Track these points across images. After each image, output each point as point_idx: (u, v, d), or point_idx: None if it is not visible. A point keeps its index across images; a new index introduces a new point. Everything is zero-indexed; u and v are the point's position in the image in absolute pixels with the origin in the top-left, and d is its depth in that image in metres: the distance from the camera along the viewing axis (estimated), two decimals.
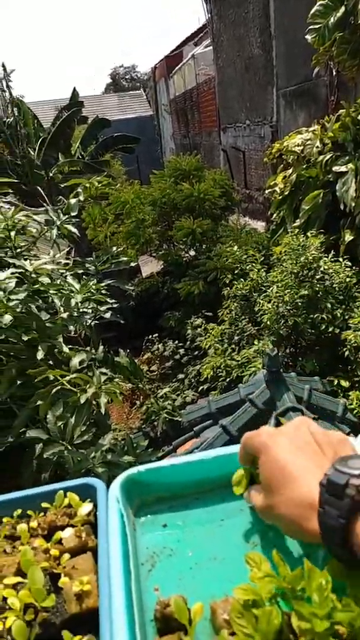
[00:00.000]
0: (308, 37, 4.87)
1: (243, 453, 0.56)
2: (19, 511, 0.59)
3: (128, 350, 3.37)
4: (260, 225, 9.12)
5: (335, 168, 4.64)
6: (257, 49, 8.77)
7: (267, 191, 5.95)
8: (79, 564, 0.51)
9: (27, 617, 0.46)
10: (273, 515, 0.49)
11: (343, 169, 4.57)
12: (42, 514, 0.58)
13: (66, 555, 0.52)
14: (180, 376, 6.32)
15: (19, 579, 0.50)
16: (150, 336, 7.40)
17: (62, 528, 0.55)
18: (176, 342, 6.90)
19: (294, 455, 0.49)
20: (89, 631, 0.44)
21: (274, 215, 5.79)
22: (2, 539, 0.56)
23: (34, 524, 0.57)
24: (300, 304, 4.18)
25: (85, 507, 0.56)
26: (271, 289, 4.46)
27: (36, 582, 0.46)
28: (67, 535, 0.54)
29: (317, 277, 4.19)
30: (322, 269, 4.20)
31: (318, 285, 4.15)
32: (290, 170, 5.39)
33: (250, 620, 0.36)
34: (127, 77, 38.34)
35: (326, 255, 4.33)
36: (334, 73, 6.04)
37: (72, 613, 0.46)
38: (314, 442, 0.50)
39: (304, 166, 5.16)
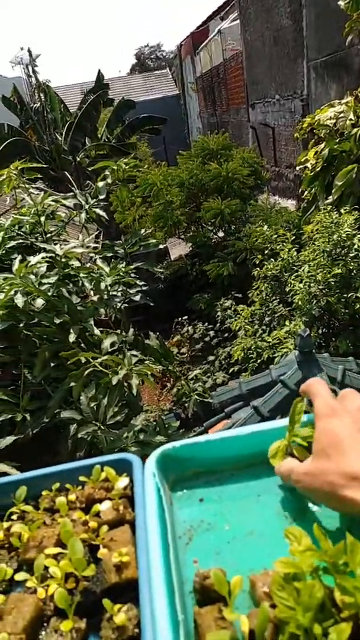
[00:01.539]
0: (341, 2, 4.64)
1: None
2: (57, 485, 0.60)
3: (158, 333, 3.39)
4: (290, 204, 8.91)
5: None
6: (286, 19, 8.44)
7: (297, 168, 5.79)
8: (117, 536, 0.51)
9: (69, 585, 0.47)
10: (314, 481, 0.49)
11: None
12: (80, 487, 0.59)
13: (104, 528, 0.52)
14: (211, 358, 6.32)
15: (60, 549, 0.51)
16: (179, 318, 7.41)
17: (100, 501, 0.56)
18: (206, 324, 6.89)
19: (353, 435, 0.50)
20: (129, 601, 0.45)
21: (305, 192, 5.63)
22: (41, 511, 0.58)
23: (72, 497, 0.58)
24: (333, 283, 4.08)
25: (122, 481, 0.56)
26: (303, 268, 4.36)
27: (76, 552, 0.47)
28: (104, 508, 0.55)
29: (351, 255, 4.07)
30: (356, 246, 4.08)
31: (352, 264, 4.04)
32: (322, 145, 5.21)
33: (291, 593, 0.36)
34: (152, 56, 37.75)
35: None
36: None
37: (112, 583, 0.46)
38: None
39: (337, 140, 4.98)
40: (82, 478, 0.59)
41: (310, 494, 0.51)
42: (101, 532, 0.52)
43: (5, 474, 1.91)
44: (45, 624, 0.45)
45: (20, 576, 0.49)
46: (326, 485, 0.48)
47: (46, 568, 0.48)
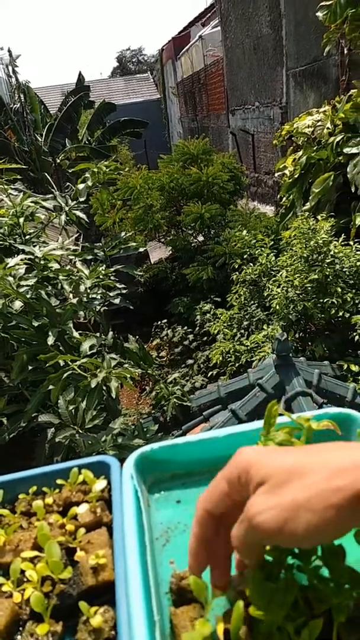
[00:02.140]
0: (319, 14, 4.74)
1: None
2: (35, 488, 0.59)
3: (137, 336, 3.38)
4: (269, 210, 9.02)
5: (347, 150, 4.56)
6: (266, 28, 8.57)
7: (276, 174, 5.88)
8: (94, 538, 0.51)
9: (45, 589, 0.47)
10: (293, 510, 0.34)
11: (354, 150, 4.49)
12: (57, 490, 0.59)
13: (81, 530, 0.52)
14: (190, 362, 6.34)
15: (36, 552, 0.51)
16: (159, 322, 7.41)
17: (77, 504, 0.56)
18: (185, 327, 6.91)
19: (302, 453, 0.38)
20: (105, 603, 0.45)
21: (284, 198, 5.72)
22: (18, 515, 0.57)
23: (49, 500, 0.58)
24: (309, 288, 4.16)
25: (100, 484, 0.56)
26: (280, 273, 4.43)
27: (53, 554, 0.47)
28: (82, 510, 0.55)
29: (327, 261, 4.15)
30: (332, 252, 4.16)
31: (328, 270, 4.12)
32: (300, 153, 5.31)
33: (266, 592, 0.37)
34: (134, 60, 37.79)
35: (336, 238, 4.28)
36: (345, 52, 5.90)
37: (89, 585, 0.46)
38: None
39: (314, 148, 5.07)
40: (59, 481, 0.59)
41: (290, 539, 0.34)
42: (78, 534, 0.52)
43: None
44: (21, 628, 0.45)
45: None
46: (315, 501, 0.33)
47: (22, 572, 0.48)
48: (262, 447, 0.43)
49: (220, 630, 0.39)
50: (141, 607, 0.41)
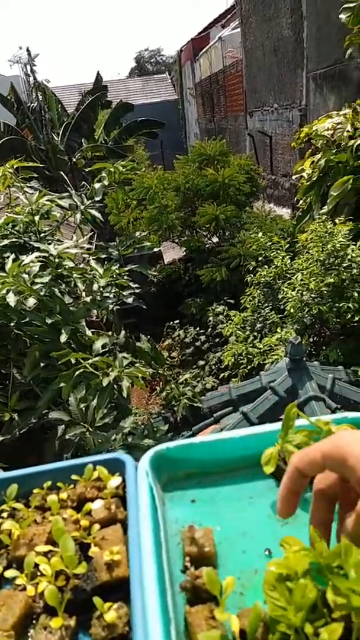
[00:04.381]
0: (342, 16, 4.70)
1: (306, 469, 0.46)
2: (49, 483, 0.59)
3: (149, 336, 3.38)
4: (285, 212, 8.97)
5: None
6: (287, 30, 8.53)
7: (294, 177, 5.84)
8: (109, 534, 0.51)
9: (59, 583, 0.47)
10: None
11: None
12: (71, 486, 0.59)
13: (96, 526, 0.52)
14: (201, 363, 6.33)
15: (50, 547, 0.51)
16: (171, 322, 7.41)
17: (92, 500, 0.56)
18: (197, 328, 6.90)
19: None
20: (120, 599, 0.45)
21: (301, 201, 5.68)
22: (32, 509, 0.57)
23: (63, 495, 0.58)
24: (325, 292, 4.12)
25: (114, 480, 0.56)
26: (296, 276, 4.39)
27: (68, 549, 0.46)
28: (96, 507, 0.54)
29: (344, 265, 4.11)
30: (349, 256, 4.11)
31: (345, 274, 4.08)
32: (318, 155, 5.27)
33: (283, 593, 0.36)
34: (152, 60, 37.87)
35: (354, 242, 4.23)
36: None
37: (103, 581, 0.46)
38: None
39: (334, 151, 5.03)
40: (74, 477, 0.59)
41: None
42: (93, 530, 0.52)
43: None
44: (34, 621, 0.45)
45: (10, 573, 0.49)
46: None
47: (36, 566, 0.48)
48: (355, 432, 0.46)
49: (236, 630, 0.39)
50: (157, 604, 0.40)
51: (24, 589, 0.47)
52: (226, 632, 0.38)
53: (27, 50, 13.46)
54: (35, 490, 0.59)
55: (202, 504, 0.56)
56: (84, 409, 2.24)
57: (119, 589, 0.46)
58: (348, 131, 4.82)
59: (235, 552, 0.49)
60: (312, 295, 4.17)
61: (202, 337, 6.71)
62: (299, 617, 0.35)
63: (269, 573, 0.38)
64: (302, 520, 0.52)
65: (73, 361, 2.19)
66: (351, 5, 4.53)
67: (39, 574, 0.48)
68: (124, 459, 0.59)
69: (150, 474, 0.54)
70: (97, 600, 0.43)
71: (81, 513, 0.54)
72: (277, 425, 0.58)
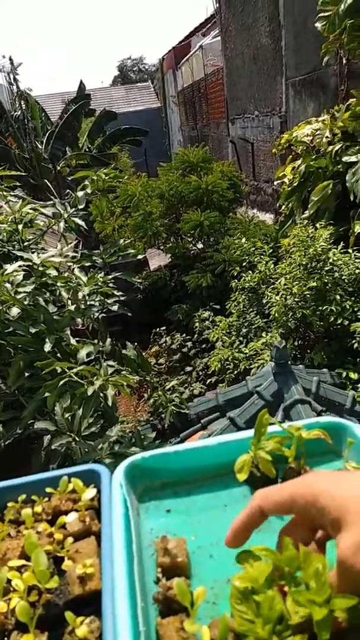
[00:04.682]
0: (318, 24, 4.79)
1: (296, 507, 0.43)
2: (24, 496, 0.59)
3: (135, 343, 3.37)
4: (268, 217, 9.05)
5: (345, 158, 4.58)
6: (265, 38, 8.66)
7: (275, 182, 5.91)
8: (83, 547, 0.51)
9: (31, 598, 0.46)
10: None
11: (353, 159, 4.51)
12: (46, 499, 0.59)
13: (70, 539, 0.52)
14: (188, 369, 6.32)
15: (23, 561, 0.50)
16: (157, 329, 7.40)
17: (66, 513, 0.56)
18: (184, 335, 6.91)
19: None
20: (92, 613, 0.44)
21: (283, 206, 5.74)
22: (6, 523, 0.57)
23: (38, 508, 0.57)
24: (308, 295, 4.16)
25: (89, 493, 0.56)
26: (279, 281, 4.43)
27: (40, 564, 0.46)
28: (71, 519, 0.54)
29: (326, 268, 4.15)
30: (331, 260, 4.16)
31: (327, 277, 4.12)
32: (299, 161, 5.34)
33: (250, 606, 0.36)
34: (134, 69, 38.09)
35: (335, 246, 4.29)
36: (344, 62, 5.96)
37: (75, 595, 0.46)
38: None
39: (313, 157, 5.10)
40: (49, 489, 0.59)
41: None
42: (66, 543, 0.52)
43: None
44: (6, 638, 0.45)
45: None
46: None
47: (9, 581, 0.48)
48: (327, 472, 0.45)
49: None
50: (127, 617, 0.40)
51: None
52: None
53: (10, 59, 13.45)
54: (9, 504, 0.59)
55: (177, 514, 0.56)
56: (69, 418, 2.22)
57: (92, 602, 0.46)
58: (327, 137, 4.90)
59: (208, 562, 0.50)
60: (296, 299, 4.20)
61: (189, 343, 6.71)
62: (267, 629, 0.35)
63: (234, 587, 0.38)
64: (276, 527, 0.53)
65: (58, 370, 2.17)
66: (326, 14, 4.62)
67: (11, 589, 0.47)
68: (99, 470, 0.58)
69: (124, 484, 0.54)
70: (68, 615, 0.43)
71: (55, 526, 0.54)
72: (251, 432, 0.59)
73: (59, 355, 2.52)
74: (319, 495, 0.40)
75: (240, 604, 0.37)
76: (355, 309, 4.09)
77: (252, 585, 0.37)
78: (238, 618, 0.37)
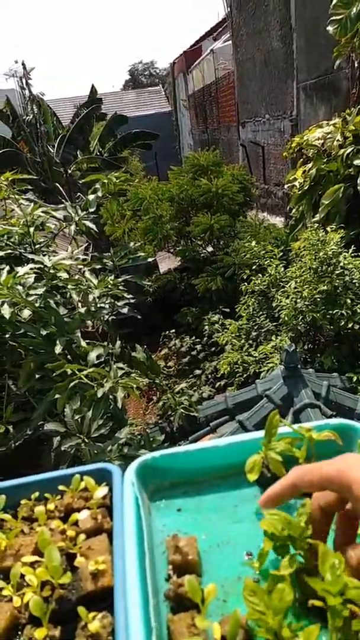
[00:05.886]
0: (330, 28, 4.79)
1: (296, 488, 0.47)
2: (37, 494, 0.60)
3: (145, 346, 3.39)
4: (278, 221, 9.04)
5: (357, 162, 4.57)
6: (277, 42, 8.67)
7: (286, 186, 5.90)
8: (95, 544, 0.52)
9: (44, 593, 0.47)
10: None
11: None
12: (59, 496, 0.60)
13: (82, 536, 0.53)
14: (197, 372, 6.32)
15: (37, 557, 0.51)
16: (167, 332, 7.41)
17: (79, 510, 0.57)
18: (193, 338, 6.91)
19: None
20: (104, 609, 0.45)
21: (293, 210, 5.73)
22: (20, 520, 0.58)
23: (51, 506, 0.58)
24: (319, 299, 4.14)
25: (101, 491, 0.57)
26: (289, 284, 4.42)
27: (53, 559, 0.47)
28: (83, 517, 0.55)
29: (337, 272, 4.14)
30: (341, 264, 4.15)
31: (337, 281, 4.11)
32: (310, 165, 5.33)
33: (262, 597, 0.37)
34: (145, 73, 38.31)
35: (346, 250, 4.27)
36: (356, 65, 5.94)
37: (88, 591, 0.47)
38: None
39: (324, 160, 5.09)
40: (61, 487, 0.59)
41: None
42: (78, 540, 0.52)
43: None
44: (19, 632, 0.46)
45: None
46: None
47: (22, 576, 0.48)
48: None
49: (217, 637, 0.39)
50: (139, 613, 0.41)
51: (10, 599, 0.47)
52: (208, 639, 0.39)
53: (23, 64, 13.62)
54: (22, 502, 0.60)
55: (187, 513, 0.56)
56: (79, 420, 2.23)
57: (104, 599, 0.46)
58: (338, 140, 4.88)
59: (219, 560, 0.50)
60: (306, 303, 4.19)
61: (198, 346, 6.71)
62: (277, 620, 0.36)
63: (248, 579, 0.38)
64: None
65: (68, 372, 2.19)
66: (338, 17, 4.62)
67: (25, 584, 0.48)
68: (110, 469, 0.59)
69: (136, 483, 0.55)
70: (81, 610, 0.44)
71: (67, 523, 0.55)
72: (261, 433, 0.59)
73: (69, 357, 2.54)
74: (354, 483, 0.41)
75: (253, 596, 0.38)
76: None
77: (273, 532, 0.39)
78: (249, 609, 0.37)
